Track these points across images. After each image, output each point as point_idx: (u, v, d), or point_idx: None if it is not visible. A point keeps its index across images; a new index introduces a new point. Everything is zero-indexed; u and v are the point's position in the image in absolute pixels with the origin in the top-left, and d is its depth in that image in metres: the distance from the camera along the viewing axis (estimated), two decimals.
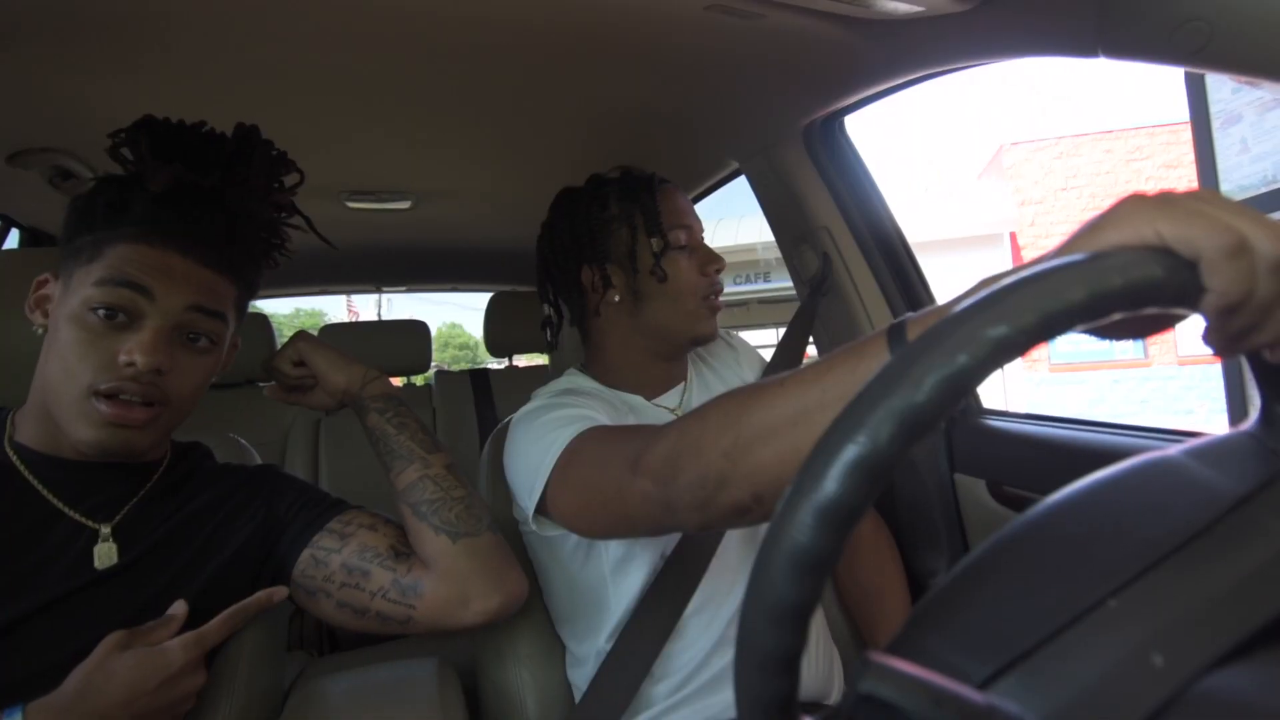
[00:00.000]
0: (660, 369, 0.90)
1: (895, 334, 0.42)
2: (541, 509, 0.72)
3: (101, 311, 0.61)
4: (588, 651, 0.82)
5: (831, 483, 0.24)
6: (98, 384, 0.61)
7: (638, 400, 0.90)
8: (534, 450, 0.71)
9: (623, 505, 0.58)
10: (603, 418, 0.74)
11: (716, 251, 0.88)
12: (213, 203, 0.67)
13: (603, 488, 0.61)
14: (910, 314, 0.43)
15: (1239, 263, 0.28)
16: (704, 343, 0.90)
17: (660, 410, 0.89)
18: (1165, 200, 0.30)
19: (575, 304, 0.91)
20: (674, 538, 0.79)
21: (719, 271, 0.87)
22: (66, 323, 0.62)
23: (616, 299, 0.86)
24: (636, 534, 0.72)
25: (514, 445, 0.77)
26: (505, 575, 0.71)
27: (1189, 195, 0.31)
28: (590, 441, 0.66)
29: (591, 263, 0.87)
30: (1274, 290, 0.28)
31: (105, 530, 0.65)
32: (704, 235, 0.91)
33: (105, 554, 0.64)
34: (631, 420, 0.84)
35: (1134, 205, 0.31)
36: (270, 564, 0.73)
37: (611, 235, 0.86)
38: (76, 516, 0.65)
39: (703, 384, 0.95)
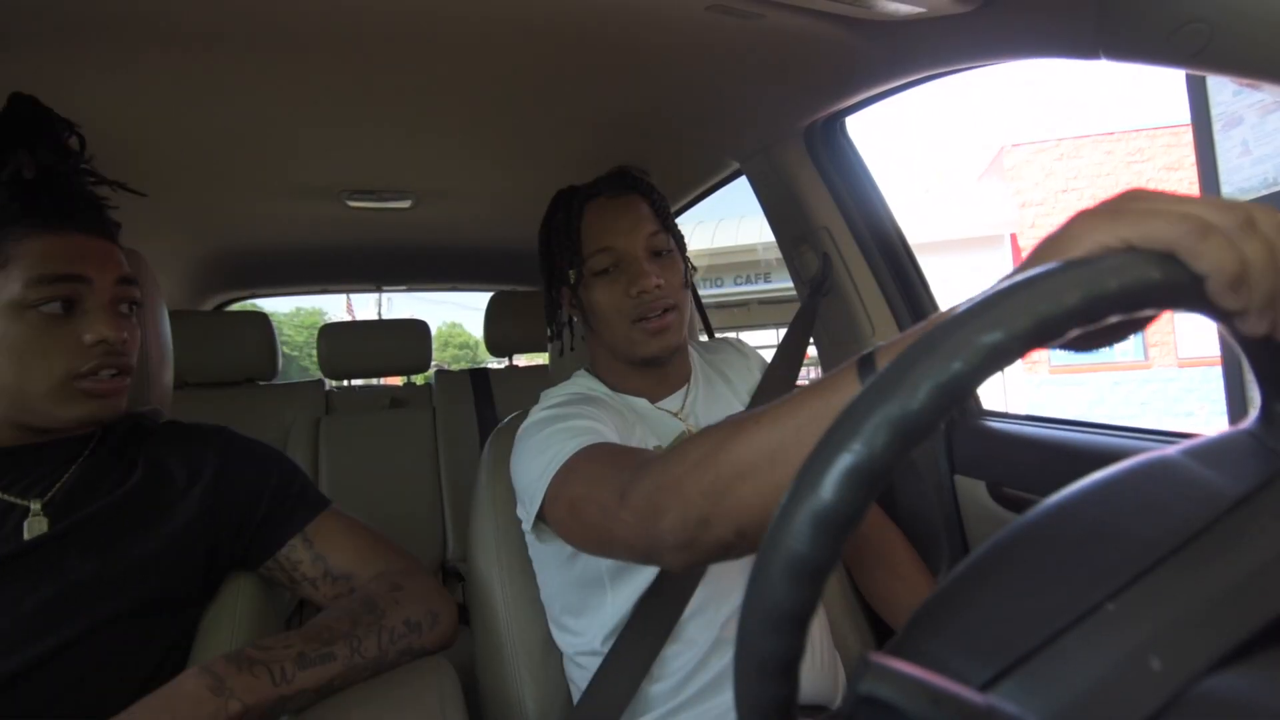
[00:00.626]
0: (653, 374, 0.89)
1: (865, 365, 0.42)
2: (540, 517, 0.72)
3: (48, 306, 0.64)
4: (586, 653, 0.82)
5: (827, 491, 0.24)
6: (77, 369, 0.65)
7: (642, 404, 0.89)
8: (538, 461, 0.71)
9: (609, 532, 0.58)
10: (609, 429, 0.73)
11: (652, 266, 0.82)
12: (64, 178, 0.70)
13: (592, 510, 0.61)
14: (880, 343, 0.43)
15: (1212, 240, 0.27)
16: (654, 364, 0.86)
17: (663, 414, 0.89)
18: (1115, 208, 0.30)
19: (568, 318, 0.93)
20: None
21: (643, 292, 0.81)
22: (5, 323, 0.64)
23: (575, 318, 0.87)
24: (622, 559, 0.72)
25: (520, 451, 0.77)
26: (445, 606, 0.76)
27: (1132, 197, 0.31)
28: (589, 460, 0.66)
29: (557, 285, 0.89)
30: (1260, 253, 0.28)
31: (35, 506, 0.66)
32: (654, 239, 0.84)
33: (35, 526, 0.65)
34: (638, 427, 0.84)
35: (1087, 220, 0.31)
36: (234, 547, 0.75)
37: (553, 263, 0.89)
38: (8, 498, 0.66)
39: (709, 387, 0.94)
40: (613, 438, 0.71)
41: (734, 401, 0.95)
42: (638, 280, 0.81)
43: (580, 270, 0.85)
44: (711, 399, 0.92)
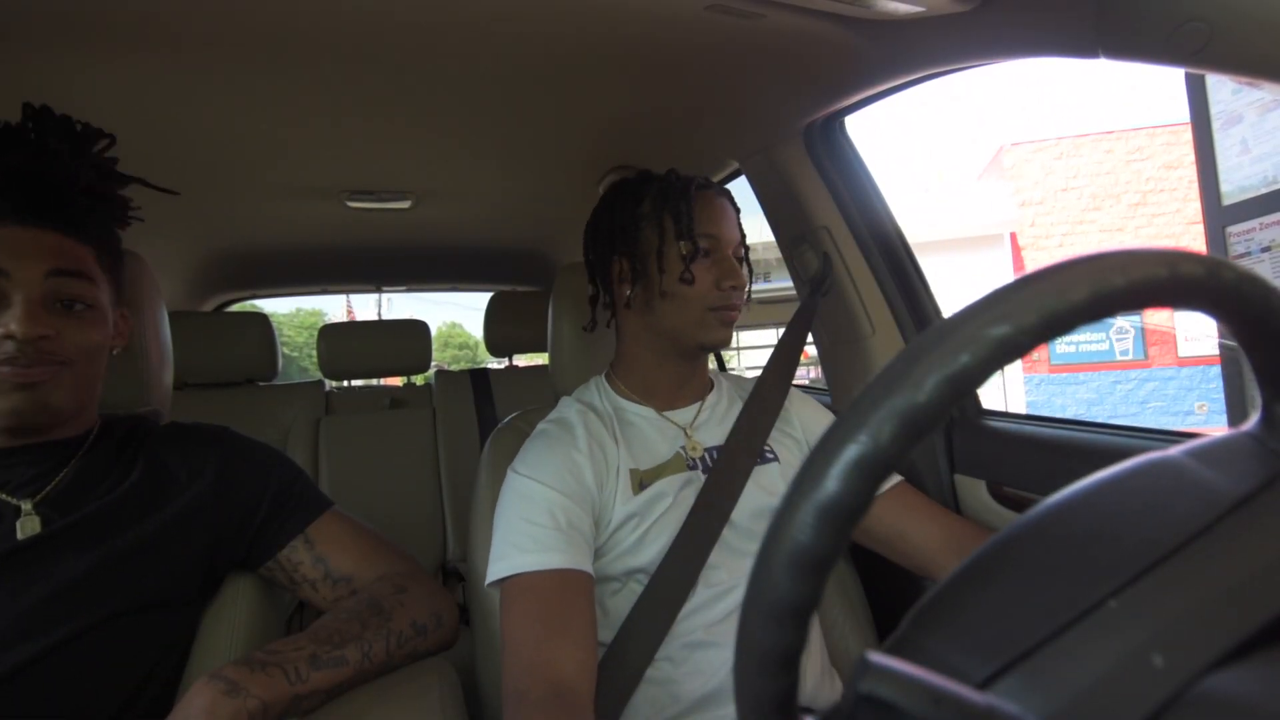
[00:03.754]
0: (672, 376, 0.90)
1: None
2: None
3: None
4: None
5: (832, 482, 0.24)
6: None
7: (648, 413, 0.90)
8: (499, 540, 0.76)
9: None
10: (572, 503, 0.77)
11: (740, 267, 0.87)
12: (27, 175, 0.69)
13: (505, 655, 0.70)
14: None
15: None
16: (713, 349, 0.89)
17: (667, 423, 0.89)
18: None
19: (607, 293, 0.93)
20: (656, 554, 0.79)
21: (734, 288, 0.85)
22: None
23: (636, 293, 0.88)
24: None
25: (501, 500, 0.80)
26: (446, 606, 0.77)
27: None
28: (521, 601, 0.71)
29: (619, 256, 0.89)
30: None
31: (27, 505, 0.66)
32: (739, 247, 0.89)
33: (28, 526, 0.65)
34: (635, 440, 0.86)
35: None
36: (234, 548, 0.75)
37: (640, 232, 0.87)
38: (1, 497, 0.66)
39: (727, 407, 0.93)
40: (560, 554, 0.73)
41: None
42: (731, 274, 0.85)
43: (679, 244, 0.85)
44: (725, 419, 0.92)
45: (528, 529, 0.74)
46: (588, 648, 0.69)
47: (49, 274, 0.66)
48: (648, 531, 0.80)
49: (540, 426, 0.88)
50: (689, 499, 0.82)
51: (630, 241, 0.87)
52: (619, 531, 0.80)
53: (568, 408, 0.90)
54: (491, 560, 0.76)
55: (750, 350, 9.99)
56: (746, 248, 0.92)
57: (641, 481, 0.82)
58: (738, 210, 0.92)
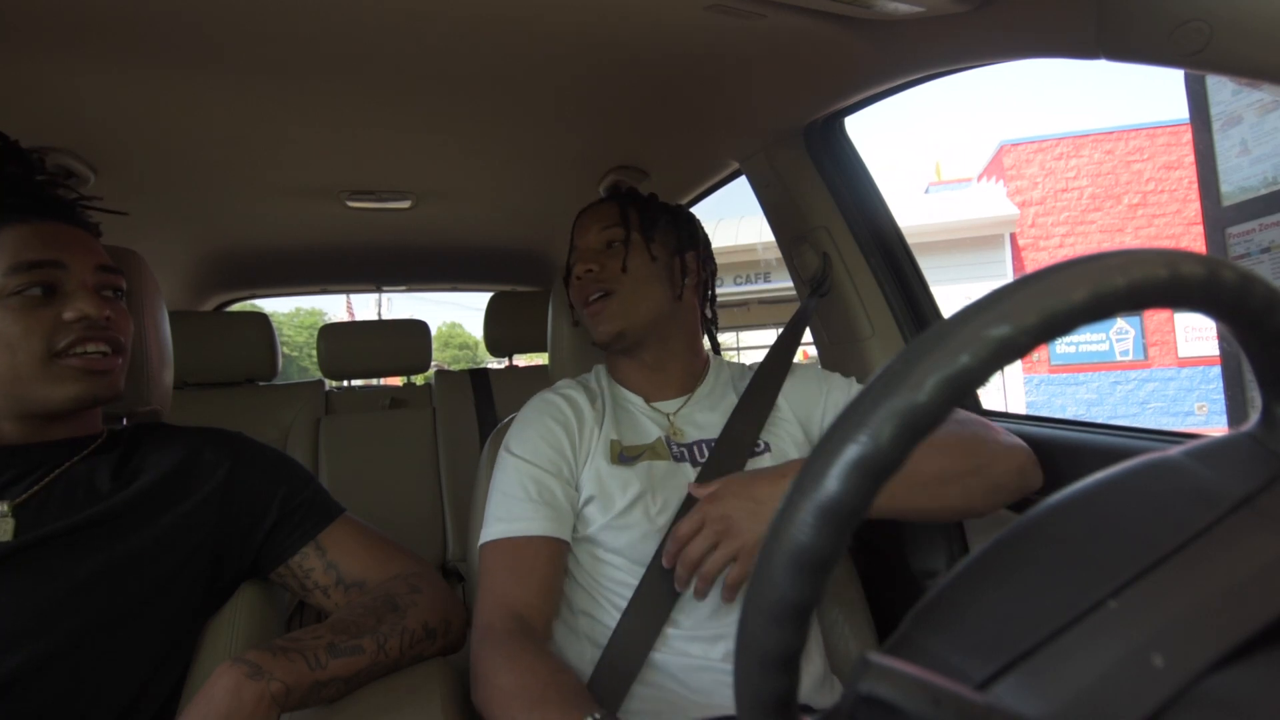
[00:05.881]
0: (641, 367, 0.94)
1: None
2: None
3: (28, 292, 0.66)
4: (577, 662, 0.82)
5: (833, 482, 0.24)
6: (58, 345, 0.67)
7: (637, 401, 0.93)
8: (490, 504, 0.83)
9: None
10: (545, 474, 0.82)
11: (593, 257, 0.92)
12: (31, 175, 0.73)
13: (478, 592, 0.77)
14: None
15: None
16: (600, 346, 0.94)
17: (654, 412, 0.92)
18: None
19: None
20: (647, 551, 0.80)
21: (578, 279, 0.92)
22: None
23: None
24: None
25: (497, 464, 0.87)
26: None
27: None
28: (494, 559, 0.79)
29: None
30: None
31: (4, 507, 0.66)
32: (603, 233, 0.93)
33: (1, 529, 0.65)
34: (623, 419, 0.90)
35: None
36: (242, 554, 0.75)
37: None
38: None
39: (712, 398, 0.94)
40: (542, 520, 0.80)
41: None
42: (576, 268, 0.93)
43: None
44: (708, 408, 0.92)
45: (504, 500, 0.82)
46: (547, 598, 0.77)
47: (97, 268, 0.71)
48: (624, 514, 0.80)
49: (531, 399, 0.93)
50: (675, 490, 0.82)
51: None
52: (589, 506, 0.82)
53: (563, 384, 0.96)
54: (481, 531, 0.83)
55: (751, 350, 10.01)
56: (642, 227, 0.94)
57: (621, 454, 0.85)
58: (625, 201, 0.97)
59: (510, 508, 0.81)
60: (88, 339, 0.68)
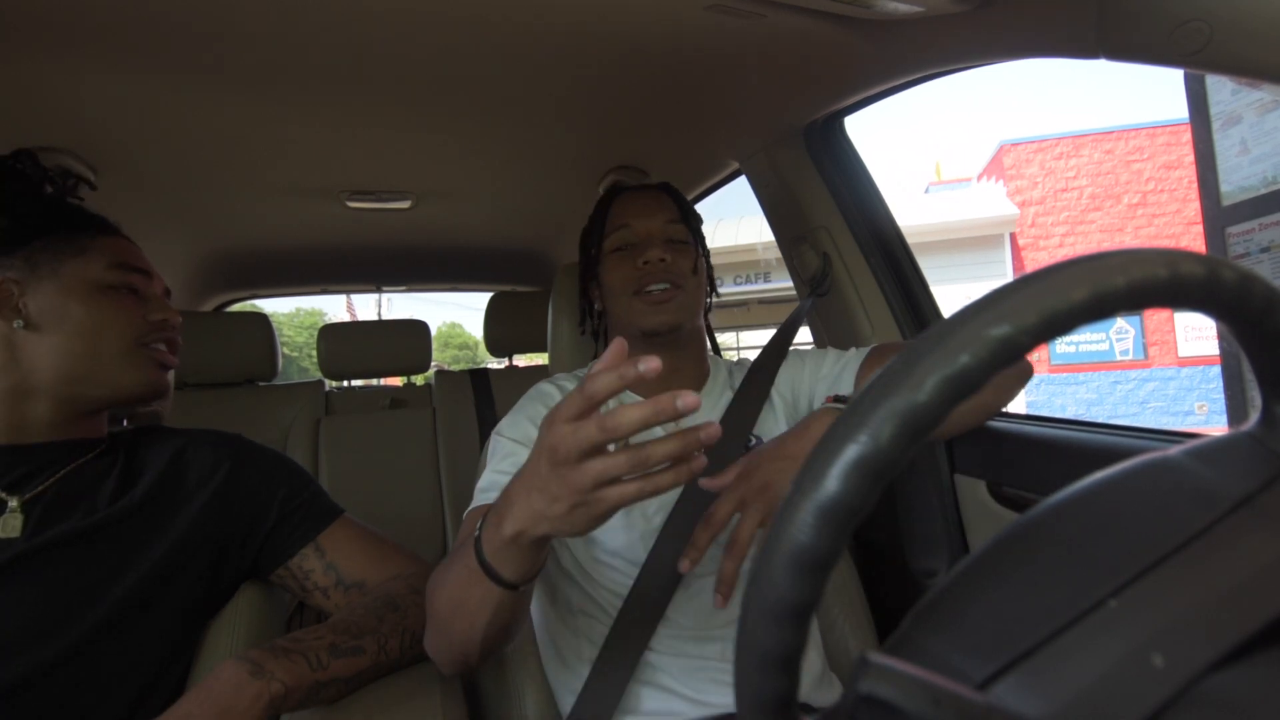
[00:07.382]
0: (673, 375, 0.92)
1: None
2: None
3: (125, 288, 0.75)
4: (574, 661, 0.83)
5: (833, 482, 0.24)
6: (145, 337, 0.74)
7: (637, 400, 0.91)
8: (478, 483, 0.81)
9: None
10: (528, 451, 0.82)
11: (663, 247, 0.89)
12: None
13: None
14: None
15: None
16: (654, 334, 0.90)
17: None
18: None
19: (584, 297, 1.03)
20: (644, 551, 0.80)
21: (646, 262, 0.88)
22: (79, 302, 0.71)
23: (593, 289, 0.97)
24: None
25: (488, 448, 0.86)
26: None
27: None
28: (470, 519, 0.76)
29: (585, 271, 0.98)
30: None
31: (14, 503, 0.66)
32: (668, 226, 0.91)
33: (9, 525, 0.65)
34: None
35: None
36: (242, 555, 0.76)
37: (589, 237, 0.97)
38: None
39: (714, 395, 0.94)
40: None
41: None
42: (645, 251, 0.88)
43: (600, 249, 0.92)
44: (709, 407, 0.92)
45: (488, 475, 0.82)
46: None
47: (164, 286, 0.81)
48: (622, 514, 0.80)
49: (527, 391, 0.93)
50: (672, 490, 0.81)
51: (585, 246, 0.97)
52: None
53: (560, 376, 0.95)
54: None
55: (751, 350, 10.00)
56: (695, 232, 0.94)
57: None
58: (678, 198, 0.95)
59: (496, 480, 0.79)
60: (165, 339, 0.77)
